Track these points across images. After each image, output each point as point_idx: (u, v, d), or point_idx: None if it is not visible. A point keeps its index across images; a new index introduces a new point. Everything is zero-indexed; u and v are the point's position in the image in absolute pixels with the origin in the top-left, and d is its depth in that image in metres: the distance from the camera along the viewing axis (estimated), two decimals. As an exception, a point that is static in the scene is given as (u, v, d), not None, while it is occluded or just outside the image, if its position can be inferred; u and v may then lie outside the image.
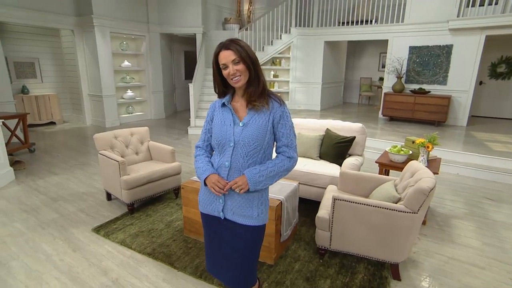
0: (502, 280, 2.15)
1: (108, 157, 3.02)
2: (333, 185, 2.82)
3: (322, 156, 3.34)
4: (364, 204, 2.05)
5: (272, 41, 8.30)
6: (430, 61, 6.76)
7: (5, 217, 2.95)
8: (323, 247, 2.29)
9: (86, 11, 6.52)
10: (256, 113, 1.33)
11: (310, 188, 3.05)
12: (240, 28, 8.52)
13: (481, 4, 6.05)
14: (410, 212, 1.94)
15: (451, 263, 2.33)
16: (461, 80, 6.49)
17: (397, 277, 2.13)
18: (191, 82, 6.51)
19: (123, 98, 7.70)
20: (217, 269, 1.48)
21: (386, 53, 7.44)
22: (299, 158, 3.31)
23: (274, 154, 1.42)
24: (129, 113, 7.94)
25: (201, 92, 7.18)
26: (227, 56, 1.27)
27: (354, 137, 3.23)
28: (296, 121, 3.68)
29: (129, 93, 7.78)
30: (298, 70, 8.47)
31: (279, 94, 8.83)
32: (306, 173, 3.02)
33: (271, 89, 8.45)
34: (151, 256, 2.36)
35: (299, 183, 2.75)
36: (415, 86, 7.00)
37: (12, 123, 4.88)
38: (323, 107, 8.68)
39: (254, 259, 1.45)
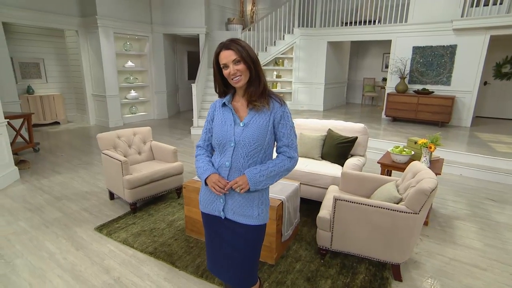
0: (504, 281, 2.14)
1: (111, 157, 3.05)
2: (335, 185, 2.82)
3: (324, 157, 3.34)
4: (365, 205, 2.05)
5: (275, 42, 8.31)
6: (434, 61, 6.73)
7: (9, 215, 2.99)
8: (324, 247, 2.29)
9: (90, 12, 6.57)
10: (256, 113, 1.34)
11: (311, 188, 3.05)
12: (243, 29, 8.54)
13: (486, 4, 6.00)
14: (411, 213, 1.94)
15: (452, 264, 2.32)
16: (465, 81, 6.44)
17: (399, 278, 2.13)
18: (194, 83, 6.54)
19: (127, 98, 7.75)
20: (218, 268, 1.49)
21: (389, 53, 7.41)
22: (300, 158, 3.32)
23: (274, 154, 1.42)
24: (132, 113, 7.98)
25: (204, 92, 7.20)
26: (227, 56, 1.27)
27: (356, 137, 3.22)
28: (298, 121, 3.69)
29: (133, 93, 7.83)
30: (301, 70, 8.47)
31: (281, 95, 8.84)
32: (308, 173, 3.02)
33: (274, 89, 8.49)
34: (153, 255, 2.37)
35: (300, 183, 2.75)
36: (419, 87, 6.96)
37: (17, 123, 4.94)
38: (326, 108, 8.67)
39: (255, 258, 1.46)
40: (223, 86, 1.40)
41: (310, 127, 3.58)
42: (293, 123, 1.40)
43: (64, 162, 4.64)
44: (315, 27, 8.29)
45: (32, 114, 5.32)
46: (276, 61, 8.58)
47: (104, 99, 7.07)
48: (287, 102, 7.57)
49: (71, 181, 3.89)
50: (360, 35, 7.63)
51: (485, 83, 7.81)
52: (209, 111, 1.47)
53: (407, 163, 2.96)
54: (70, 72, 7.76)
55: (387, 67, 8.56)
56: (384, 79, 9.29)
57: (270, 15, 8.13)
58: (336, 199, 2.13)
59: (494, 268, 2.28)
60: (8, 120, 3.92)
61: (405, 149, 3.11)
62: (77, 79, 7.56)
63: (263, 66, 8.26)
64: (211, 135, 1.45)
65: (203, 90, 7.14)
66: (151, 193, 3.14)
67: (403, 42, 7.03)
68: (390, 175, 3.15)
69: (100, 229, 2.75)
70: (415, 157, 3.06)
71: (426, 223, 2.86)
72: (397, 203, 2.10)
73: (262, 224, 1.42)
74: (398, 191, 2.27)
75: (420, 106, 6.58)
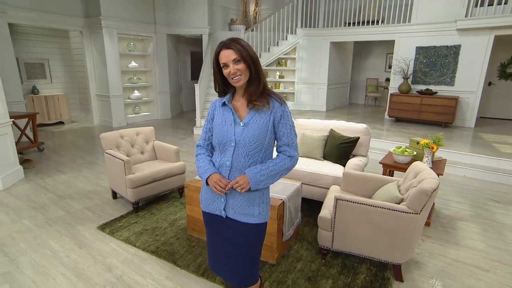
0: (506, 282, 2.12)
1: (114, 156, 3.07)
2: (336, 185, 2.82)
3: (325, 157, 3.34)
4: (366, 205, 2.05)
5: (278, 42, 8.31)
6: (437, 61, 6.69)
7: (14, 214, 3.03)
8: (325, 247, 2.29)
9: (95, 13, 6.63)
10: (256, 113, 1.34)
11: (313, 189, 3.05)
12: (246, 29, 8.55)
13: (490, 4, 5.96)
14: (412, 213, 1.93)
15: (454, 265, 2.31)
16: (469, 81, 6.40)
17: (400, 278, 2.13)
18: (197, 83, 6.56)
19: (130, 99, 7.80)
20: (219, 267, 1.50)
21: (392, 53, 7.38)
22: (302, 158, 3.33)
23: (274, 153, 1.43)
24: (136, 113, 8.03)
25: (207, 92, 7.22)
26: (227, 56, 1.27)
27: (358, 137, 3.22)
28: (300, 121, 3.69)
29: (136, 93, 7.88)
30: (304, 70, 8.46)
31: (284, 95, 8.85)
32: (310, 173, 3.02)
33: (277, 89, 8.49)
34: (155, 254, 2.39)
35: (302, 183, 2.76)
36: (422, 87, 6.93)
37: (22, 122, 4.99)
38: (328, 108, 8.65)
39: (256, 257, 1.46)
40: (223, 86, 1.40)
41: (312, 127, 3.58)
42: (293, 122, 1.41)
43: (68, 162, 4.68)
44: (318, 27, 8.28)
45: (37, 114, 5.38)
46: (279, 62, 8.58)
47: (108, 99, 7.12)
48: (290, 103, 7.53)
49: (75, 180, 3.93)
50: (363, 35, 7.61)
51: (490, 83, 7.75)
52: (209, 110, 1.47)
53: (409, 163, 2.95)
54: (74, 73, 7.83)
55: (390, 67, 8.53)
56: (387, 80, 9.25)
57: (273, 15, 8.14)
58: (337, 199, 2.13)
59: (497, 269, 2.26)
60: (13, 119, 3.96)
61: (407, 149, 3.10)
62: (81, 79, 7.63)
63: (266, 66, 8.28)
64: (211, 134, 1.46)
65: (206, 90, 7.16)
66: (153, 193, 3.16)
67: (406, 42, 7.00)
68: (392, 176, 3.14)
69: (102, 227, 2.77)
70: (417, 158, 3.05)
71: (428, 224, 2.84)
72: (399, 203, 2.09)
73: (263, 223, 1.43)
74: (399, 191, 2.26)
75: (423, 106, 6.55)
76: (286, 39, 8.28)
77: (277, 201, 2.24)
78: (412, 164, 2.45)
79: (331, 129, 3.43)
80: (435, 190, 1.88)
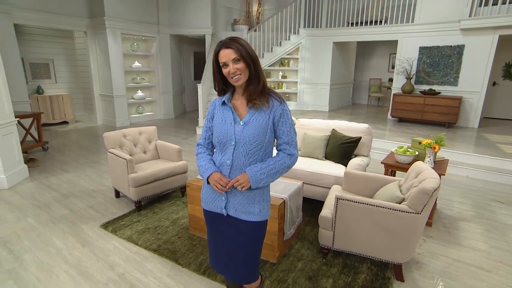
0: (508, 283, 2.11)
1: (117, 155, 3.10)
2: (338, 185, 2.82)
3: (327, 156, 3.34)
4: (367, 204, 2.05)
5: (280, 42, 8.31)
6: (441, 61, 6.65)
7: (19, 212, 3.06)
8: (326, 247, 2.30)
9: (99, 13, 6.68)
10: (256, 112, 1.35)
11: (315, 188, 3.05)
12: (249, 29, 8.57)
13: (494, 3, 5.92)
14: (413, 213, 1.93)
15: (456, 265, 2.30)
16: (473, 81, 6.36)
17: (400, 278, 2.12)
18: (200, 83, 6.59)
19: (133, 98, 7.85)
20: (221, 265, 1.51)
21: (395, 53, 7.35)
22: (304, 158, 3.33)
23: (274, 151, 1.44)
24: (139, 113, 8.08)
25: (210, 92, 7.24)
26: (227, 55, 1.28)
27: (360, 137, 3.22)
28: (302, 121, 3.69)
29: (139, 93, 7.93)
30: (307, 71, 8.45)
31: (287, 95, 8.83)
32: (311, 173, 3.03)
33: (279, 90, 8.49)
34: (157, 252, 2.41)
35: (303, 182, 2.76)
36: (425, 87, 6.89)
37: (27, 122, 5.05)
38: (331, 108, 8.64)
39: (257, 254, 1.47)
40: (223, 85, 1.41)
41: (314, 127, 3.58)
42: (292, 120, 1.42)
43: (71, 161, 4.72)
44: (321, 27, 8.27)
45: (42, 113, 5.43)
46: (281, 62, 8.58)
47: (112, 99, 7.17)
48: (293, 103, 7.51)
49: (78, 179, 3.97)
50: (366, 35, 7.59)
51: (494, 83, 7.69)
52: (209, 109, 1.48)
53: (411, 163, 2.94)
54: (79, 73, 7.89)
55: (393, 67, 8.50)
56: (390, 80, 9.22)
57: (276, 15, 8.14)
58: (338, 198, 2.14)
59: (499, 270, 2.25)
60: (18, 119, 4.01)
61: (409, 149, 3.09)
62: (85, 79, 7.69)
63: (269, 66, 8.29)
64: (212, 133, 1.47)
65: (208, 90, 7.19)
66: (155, 192, 3.18)
67: (409, 42, 6.97)
68: (394, 176, 3.13)
69: (105, 226, 2.80)
70: (419, 158, 3.04)
71: (430, 224, 2.83)
72: (400, 203, 2.09)
73: (263, 221, 1.44)
74: (401, 191, 2.26)
75: (426, 106, 6.52)
76: (289, 39, 8.28)
77: (278, 200, 2.25)
78: (414, 164, 2.45)
79: (333, 129, 3.44)
80: (436, 189, 1.88)
